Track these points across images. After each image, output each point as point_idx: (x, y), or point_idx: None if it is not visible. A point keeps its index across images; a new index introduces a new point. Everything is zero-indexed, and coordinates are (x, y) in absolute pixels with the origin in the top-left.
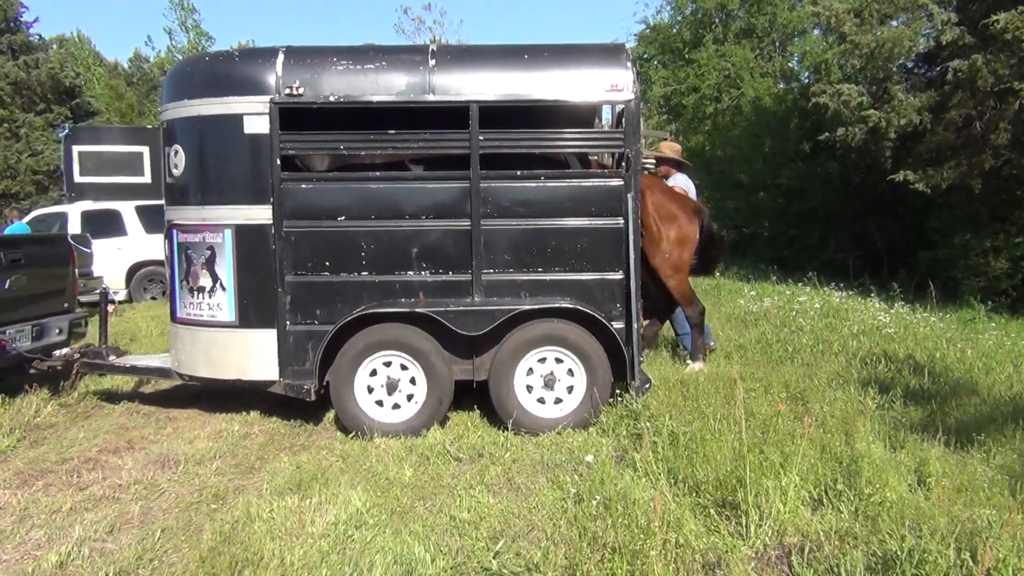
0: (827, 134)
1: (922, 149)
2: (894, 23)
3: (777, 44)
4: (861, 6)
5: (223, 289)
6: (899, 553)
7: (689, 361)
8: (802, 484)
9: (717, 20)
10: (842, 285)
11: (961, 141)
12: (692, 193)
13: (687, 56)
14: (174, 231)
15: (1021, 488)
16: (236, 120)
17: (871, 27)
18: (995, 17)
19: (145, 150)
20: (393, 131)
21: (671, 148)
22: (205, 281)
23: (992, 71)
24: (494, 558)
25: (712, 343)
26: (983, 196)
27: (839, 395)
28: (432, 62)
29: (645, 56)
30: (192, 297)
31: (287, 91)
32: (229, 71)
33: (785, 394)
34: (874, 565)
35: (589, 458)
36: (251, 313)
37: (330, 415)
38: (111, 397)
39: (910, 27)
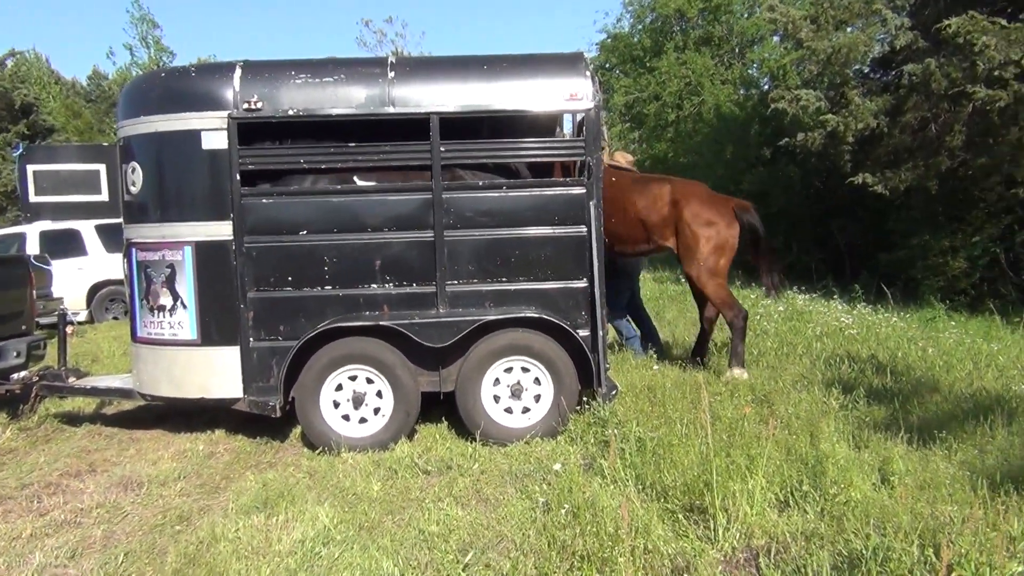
0: (787, 139)
1: (880, 152)
2: (849, 29)
3: (736, 51)
4: (817, 12)
5: (184, 307)
6: (864, 552)
7: (730, 369)
8: (768, 486)
9: (677, 28)
10: (805, 288)
11: (917, 143)
12: None
13: (648, 64)
14: (133, 249)
15: (982, 483)
16: (194, 136)
17: (827, 33)
18: (947, 22)
19: (102, 168)
20: (354, 144)
21: (624, 157)
22: (166, 299)
23: (945, 74)
24: (463, 570)
25: (652, 348)
26: (940, 197)
27: (804, 397)
28: (391, 74)
29: (607, 65)
30: (153, 316)
31: (245, 106)
32: (186, 87)
33: (751, 397)
34: (840, 564)
35: (557, 467)
36: (213, 330)
37: (296, 431)
38: (72, 420)
39: (865, 32)
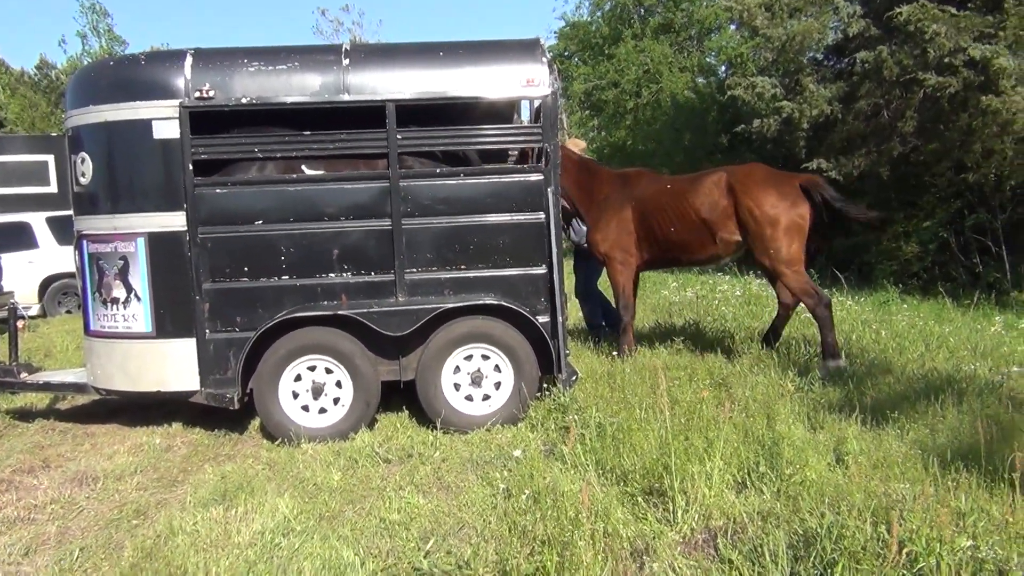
0: (743, 126)
1: (834, 138)
2: (803, 17)
3: (694, 39)
4: (771, 1)
5: (138, 299)
6: (819, 530)
7: (824, 362)
8: (726, 468)
9: (635, 16)
10: (761, 273)
11: (870, 130)
12: None
13: (607, 52)
14: (84, 241)
15: (933, 462)
16: (145, 125)
17: (782, 21)
18: (898, 10)
19: (50, 159)
20: (309, 132)
21: (576, 144)
22: (119, 292)
23: (897, 61)
24: (425, 558)
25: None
26: (892, 183)
27: (760, 379)
28: (346, 61)
29: (566, 53)
30: (106, 309)
31: (197, 94)
32: (136, 75)
33: (709, 381)
34: (796, 543)
35: (518, 453)
36: (168, 323)
37: (255, 423)
38: (25, 415)
39: (818, 20)
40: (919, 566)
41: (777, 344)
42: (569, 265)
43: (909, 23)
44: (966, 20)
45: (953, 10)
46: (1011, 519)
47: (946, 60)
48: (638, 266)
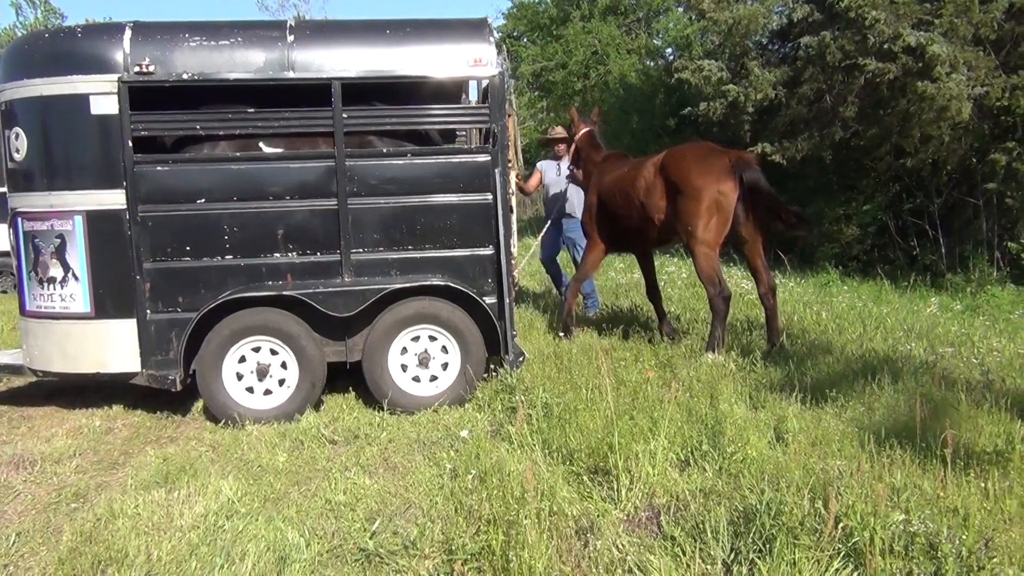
0: (690, 108)
1: (778, 122)
2: (750, 2)
3: (642, 21)
4: None
5: (76, 279)
6: (758, 506)
7: (705, 352)
8: (670, 447)
9: None
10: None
11: (813, 114)
12: (550, 175)
13: (555, 33)
14: (19, 219)
15: (869, 439)
16: (81, 100)
17: (728, 4)
18: None
19: None
20: (252, 109)
21: (555, 131)
22: (56, 271)
23: (840, 47)
24: (371, 538)
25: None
26: (834, 166)
27: (704, 360)
28: (291, 38)
29: (515, 34)
30: (42, 288)
31: (136, 69)
32: (72, 48)
33: (654, 362)
34: (736, 519)
35: (464, 433)
36: (108, 303)
37: (198, 405)
38: None
39: (764, 5)
40: (854, 540)
41: (780, 341)
42: (521, 246)
43: (850, 9)
44: (905, 7)
45: None
46: (942, 494)
47: (886, 46)
48: (604, 250)
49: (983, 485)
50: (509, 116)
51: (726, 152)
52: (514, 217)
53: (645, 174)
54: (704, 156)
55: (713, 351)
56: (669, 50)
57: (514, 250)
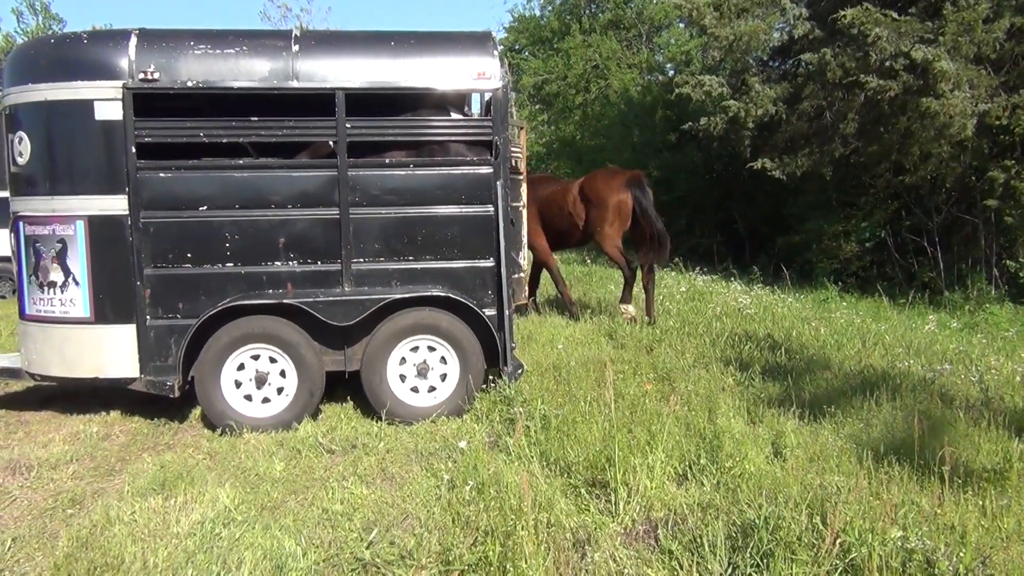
0: (691, 123)
1: (778, 138)
2: (751, 18)
3: (643, 36)
4: (720, 1)
5: (76, 283)
6: (757, 521)
7: (621, 304)
8: (668, 460)
9: (585, 11)
10: (707, 269)
11: (813, 130)
12: None
13: (556, 46)
14: (20, 223)
15: (867, 455)
16: (86, 106)
17: (730, 21)
18: (843, 12)
19: None
20: (256, 118)
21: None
22: (56, 275)
23: (840, 64)
24: (367, 548)
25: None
26: (833, 183)
27: (703, 374)
28: (295, 47)
29: (516, 47)
30: (43, 292)
31: (141, 76)
32: (77, 54)
33: (653, 375)
34: (734, 534)
35: (463, 444)
36: (108, 308)
37: (196, 412)
38: None
39: (765, 21)
40: (852, 556)
41: (652, 315)
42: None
43: (853, 26)
44: (907, 25)
45: (895, 15)
46: (939, 511)
47: (887, 64)
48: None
49: (981, 503)
50: (522, 129)
51: (624, 172)
52: (524, 230)
53: (572, 191)
54: (609, 177)
55: (627, 304)
56: (670, 65)
57: (524, 263)
